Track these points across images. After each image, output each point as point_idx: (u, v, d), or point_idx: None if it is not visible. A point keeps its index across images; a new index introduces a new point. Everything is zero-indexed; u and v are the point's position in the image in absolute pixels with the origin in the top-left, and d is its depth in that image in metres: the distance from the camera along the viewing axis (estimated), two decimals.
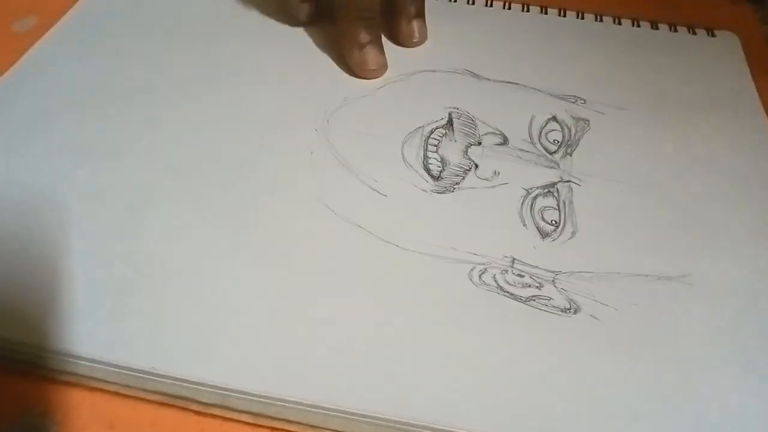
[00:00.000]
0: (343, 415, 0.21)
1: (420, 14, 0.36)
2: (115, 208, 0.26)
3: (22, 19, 0.37)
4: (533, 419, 0.22)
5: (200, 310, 0.23)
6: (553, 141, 0.31)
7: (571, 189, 0.29)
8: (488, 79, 0.34)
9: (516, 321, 0.24)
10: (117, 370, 0.22)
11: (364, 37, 0.33)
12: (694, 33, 0.39)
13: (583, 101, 0.34)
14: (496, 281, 0.25)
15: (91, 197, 0.27)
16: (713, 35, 0.39)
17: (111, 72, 0.33)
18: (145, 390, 0.22)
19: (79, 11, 0.37)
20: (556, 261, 0.26)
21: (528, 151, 0.31)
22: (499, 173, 0.30)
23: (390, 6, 0.36)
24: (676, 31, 0.39)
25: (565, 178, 0.30)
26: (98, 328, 0.23)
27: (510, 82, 0.34)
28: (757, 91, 0.35)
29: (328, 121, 0.31)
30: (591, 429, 0.21)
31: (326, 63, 0.35)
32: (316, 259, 0.25)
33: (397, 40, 0.36)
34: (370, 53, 0.34)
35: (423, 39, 0.36)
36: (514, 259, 0.26)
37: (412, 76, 0.34)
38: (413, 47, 0.36)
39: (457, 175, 0.29)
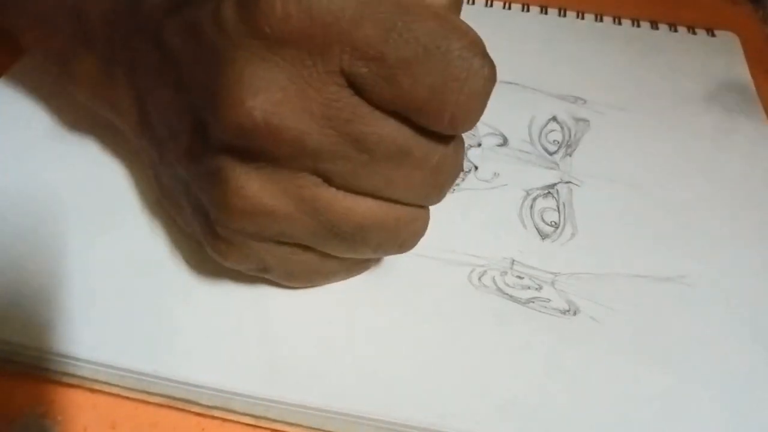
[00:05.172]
0: (343, 417, 0.22)
1: None
2: (116, 209, 0.27)
3: None
4: (533, 421, 0.22)
5: (202, 313, 0.24)
6: (553, 141, 0.31)
7: (571, 190, 0.29)
8: None
9: (515, 323, 0.24)
10: (119, 373, 0.22)
11: None
12: (694, 33, 0.39)
13: (583, 101, 0.34)
14: (495, 283, 0.25)
15: (92, 199, 0.27)
16: (713, 35, 0.39)
17: None
18: (147, 392, 0.22)
19: None
20: (556, 262, 0.26)
21: (528, 152, 0.31)
22: (498, 174, 0.30)
23: None
24: (676, 31, 0.39)
25: (565, 179, 0.30)
26: (100, 330, 0.23)
27: (510, 83, 0.34)
28: (757, 91, 0.35)
29: None
30: (590, 430, 0.22)
31: None
32: None
33: None
34: None
35: None
36: (513, 260, 0.26)
37: None
38: None
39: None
